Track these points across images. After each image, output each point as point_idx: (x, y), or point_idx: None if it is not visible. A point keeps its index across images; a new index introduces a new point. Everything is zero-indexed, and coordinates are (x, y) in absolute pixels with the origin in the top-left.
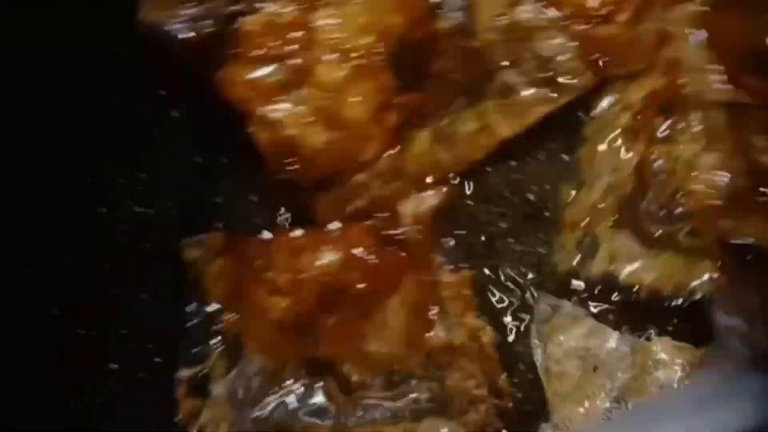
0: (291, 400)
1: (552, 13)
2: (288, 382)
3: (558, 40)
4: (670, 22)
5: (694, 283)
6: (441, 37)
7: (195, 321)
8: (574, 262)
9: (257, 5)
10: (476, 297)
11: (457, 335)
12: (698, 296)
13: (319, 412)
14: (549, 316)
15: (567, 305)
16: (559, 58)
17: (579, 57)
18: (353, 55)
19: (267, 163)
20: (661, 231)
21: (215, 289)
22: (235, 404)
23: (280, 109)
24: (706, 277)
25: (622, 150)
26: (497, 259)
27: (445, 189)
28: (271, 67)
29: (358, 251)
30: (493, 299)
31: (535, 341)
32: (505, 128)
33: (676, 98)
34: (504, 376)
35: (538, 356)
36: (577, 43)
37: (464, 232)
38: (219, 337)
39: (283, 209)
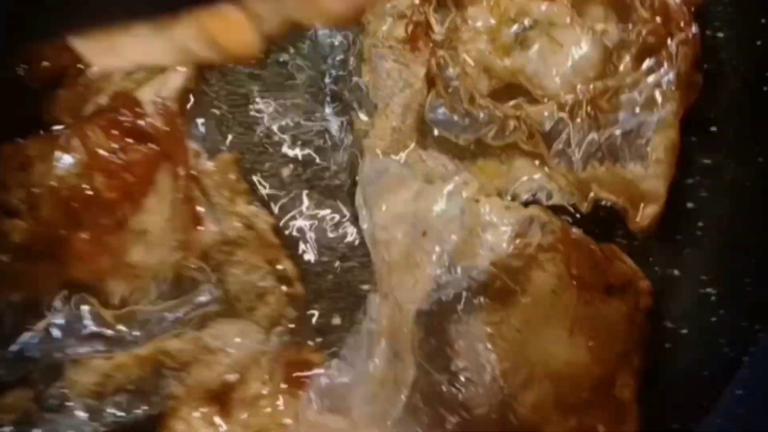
0: (54, 331)
1: None
2: (48, 311)
3: None
4: None
5: (515, 185)
6: None
7: None
8: None
9: None
10: (244, 181)
11: (230, 226)
12: (524, 198)
13: (90, 338)
14: (374, 178)
15: (393, 165)
16: None
17: None
18: None
19: None
20: (468, 138)
21: None
22: None
23: None
24: (525, 178)
25: (407, 64)
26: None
27: (186, 70)
28: None
29: (98, 151)
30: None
31: (360, 206)
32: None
33: None
34: (288, 261)
35: (364, 223)
36: None
37: (217, 112)
38: None
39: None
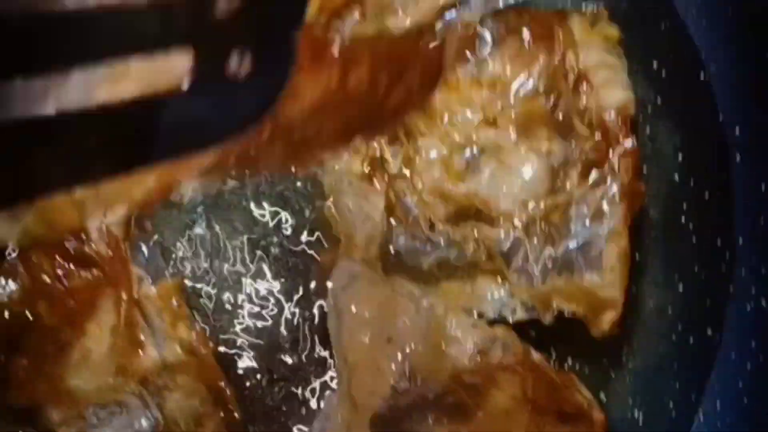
0: None
1: None
2: None
3: None
4: None
5: (480, 303)
6: None
7: None
8: None
9: None
10: (186, 305)
11: (171, 351)
12: (491, 316)
13: None
14: (347, 282)
15: (366, 272)
16: None
17: None
18: None
19: None
20: (431, 263)
21: None
22: None
23: None
24: (488, 295)
25: (366, 196)
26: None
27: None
28: None
29: (42, 277)
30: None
31: (330, 307)
32: None
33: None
34: (227, 386)
35: (332, 324)
36: None
37: (161, 239)
38: None
39: None
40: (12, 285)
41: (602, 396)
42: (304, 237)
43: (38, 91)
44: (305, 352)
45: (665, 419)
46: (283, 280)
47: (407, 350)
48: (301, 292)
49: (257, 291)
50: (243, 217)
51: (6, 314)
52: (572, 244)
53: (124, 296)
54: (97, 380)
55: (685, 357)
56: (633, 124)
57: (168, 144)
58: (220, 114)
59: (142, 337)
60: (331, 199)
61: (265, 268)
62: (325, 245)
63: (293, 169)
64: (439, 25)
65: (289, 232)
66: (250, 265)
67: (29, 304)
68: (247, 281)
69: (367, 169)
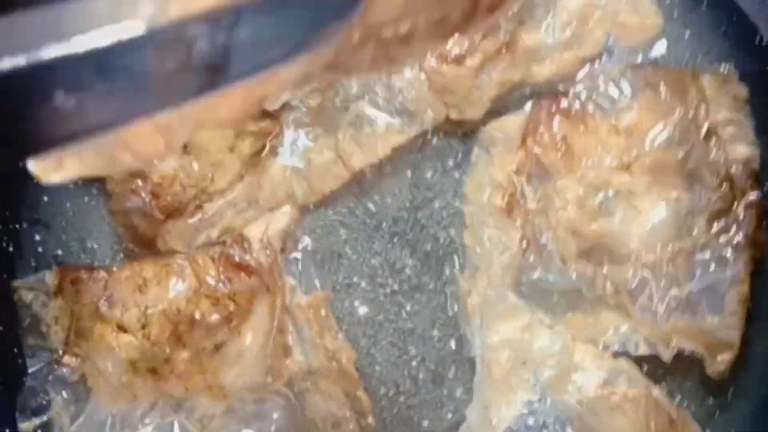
0: None
1: None
2: (142, 424)
3: (409, 73)
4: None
5: (605, 336)
6: None
7: (35, 368)
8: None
9: None
10: (334, 316)
11: (316, 358)
12: (615, 349)
13: None
14: (493, 304)
15: (511, 296)
16: (411, 90)
17: (428, 92)
18: None
19: (113, 188)
20: (560, 293)
21: (55, 331)
22: None
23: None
24: (612, 330)
25: (506, 229)
26: (353, 276)
27: (292, 210)
28: None
29: (207, 280)
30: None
31: (475, 327)
32: (359, 159)
33: (539, 167)
34: (364, 394)
35: (476, 341)
36: (423, 76)
37: (316, 251)
38: (62, 383)
39: (127, 239)
40: (181, 285)
41: None
42: (440, 263)
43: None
44: (438, 369)
45: None
46: (419, 296)
47: (540, 373)
48: (440, 318)
49: (396, 308)
50: (382, 241)
51: (176, 311)
52: (696, 287)
53: (278, 303)
54: (248, 378)
55: None
56: (758, 177)
57: (248, 58)
58: (301, 21)
59: (291, 342)
60: (470, 228)
61: (404, 286)
62: (462, 272)
63: (386, 69)
64: (580, 75)
65: (424, 257)
66: (389, 283)
67: (195, 303)
68: (386, 299)
69: (506, 204)
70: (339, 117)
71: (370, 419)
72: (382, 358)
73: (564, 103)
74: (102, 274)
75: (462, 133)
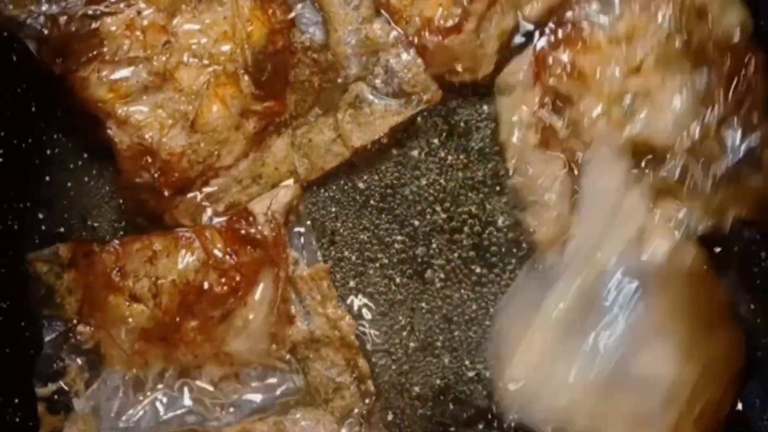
0: (158, 407)
1: (401, 29)
2: (152, 390)
3: (406, 56)
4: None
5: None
6: (297, 50)
7: (50, 336)
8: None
9: (120, 5)
10: (334, 287)
11: (318, 326)
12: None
13: (187, 415)
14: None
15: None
16: (408, 72)
17: (426, 71)
18: (213, 61)
19: (123, 165)
20: None
21: (69, 302)
22: (99, 417)
23: (139, 111)
24: (671, 217)
25: (548, 162)
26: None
27: (295, 186)
28: (131, 69)
29: (215, 252)
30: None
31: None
32: (357, 138)
33: (559, 97)
34: (363, 361)
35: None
36: (420, 60)
37: (315, 224)
38: (77, 351)
39: (134, 214)
40: (190, 257)
41: None
42: (426, 238)
43: None
44: (426, 339)
45: None
46: (407, 269)
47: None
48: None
49: (386, 280)
50: (370, 217)
51: (185, 281)
52: (732, 157)
53: (282, 275)
54: (253, 345)
55: None
56: (756, 38)
57: None
58: None
59: (294, 312)
60: (517, 172)
61: (393, 259)
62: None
63: None
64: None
65: (412, 232)
66: (378, 257)
67: (203, 274)
68: (375, 272)
69: (540, 139)
70: (338, 98)
71: (369, 384)
72: (374, 328)
73: (560, 33)
74: (114, 247)
75: (478, 95)
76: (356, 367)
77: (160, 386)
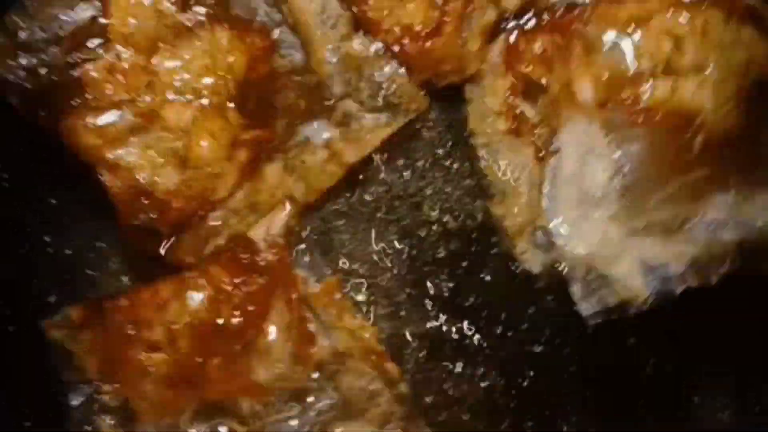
0: None
1: (381, 40)
2: None
3: (389, 68)
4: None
5: None
6: (280, 74)
7: (78, 401)
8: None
9: (97, 52)
10: (348, 298)
11: (339, 340)
12: None
13: None
14: None
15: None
16: (392, 83)
17: (411, 80)
18: (198, 95)
19: (119, 209)
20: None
21: (89, 362)
22: None
23: (129, 153)
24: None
25: (517, 150)
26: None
27: (288, 207)
28: (117, 113)
29: (222, 287)
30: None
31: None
32: (350, 154)
33: (530, 85)
34: (392, 365)
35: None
36: (403, 70)
37: (319, 241)
38: (106, 411)
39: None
40: (198, 296)
41: None
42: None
43: None
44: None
45: None
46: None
47: None
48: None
49: (395, 290)
50: (378, 229)
51: (199, 321)
52: None
53: (293, 296)
54: (280, 371)
55: None
56: None
57: None
58: None
59: (313, 330)
60: (486, 160)
61: (402, 270)
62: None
63: None
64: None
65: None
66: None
67: (215, 311)
68: (385, 283)
69: (511, 126)
70: (326, 117)
71: (402, 387)
72: (384, 339)
73: (535, 21)
74: (123, 300)
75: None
76: (386, 372)
77: (195, 429)
